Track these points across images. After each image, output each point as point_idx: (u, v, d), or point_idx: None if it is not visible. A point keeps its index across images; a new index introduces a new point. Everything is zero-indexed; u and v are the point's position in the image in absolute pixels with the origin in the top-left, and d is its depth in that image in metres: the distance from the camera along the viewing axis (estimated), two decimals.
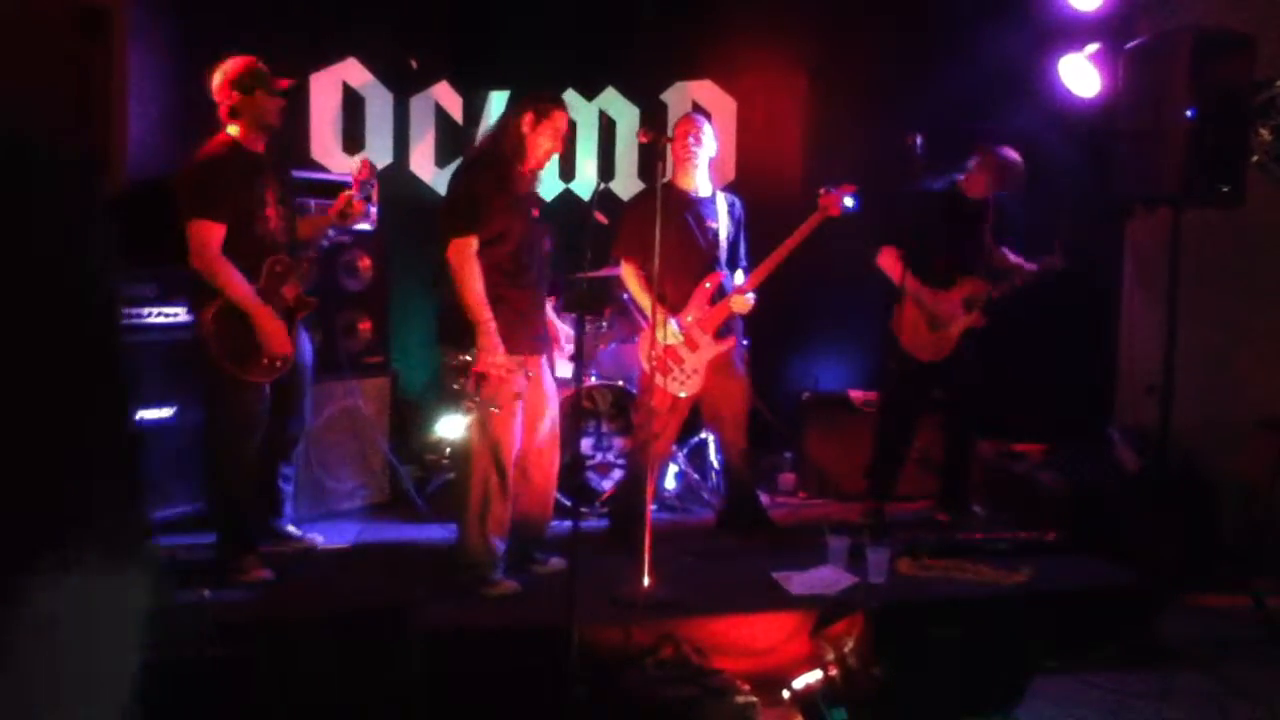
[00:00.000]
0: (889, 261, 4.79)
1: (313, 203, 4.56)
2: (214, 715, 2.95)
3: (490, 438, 3.75)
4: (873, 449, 5.02)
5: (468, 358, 3.71)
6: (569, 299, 3.87)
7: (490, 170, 3.81)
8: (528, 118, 3.80)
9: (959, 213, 4.84)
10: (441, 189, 5.91)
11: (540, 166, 3.91)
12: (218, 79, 3.82)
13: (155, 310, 4.31)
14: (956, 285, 4.82)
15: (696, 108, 5.95)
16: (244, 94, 3.81)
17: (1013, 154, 4.79)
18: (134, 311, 4.26)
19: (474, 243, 3.70)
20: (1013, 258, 4.96)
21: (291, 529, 4.31)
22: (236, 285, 3.76)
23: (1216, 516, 4.62)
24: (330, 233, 3.96)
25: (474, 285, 3.68)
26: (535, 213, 3.94)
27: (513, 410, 3.76)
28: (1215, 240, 4.84)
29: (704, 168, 4.56)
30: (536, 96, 3.90)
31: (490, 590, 3.73)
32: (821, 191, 4.42)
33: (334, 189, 4.44)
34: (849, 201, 4.39)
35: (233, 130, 3.87)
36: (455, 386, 3.90)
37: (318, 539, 4.39)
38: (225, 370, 3.79)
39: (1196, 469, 4.71)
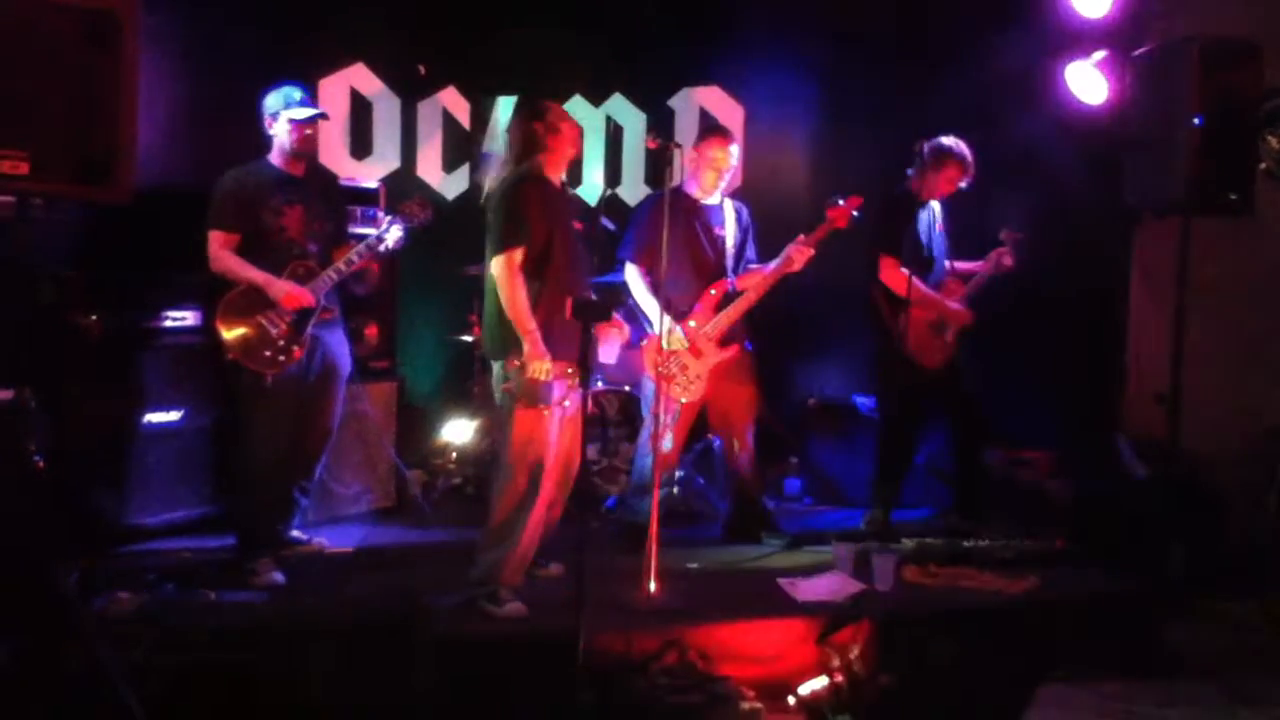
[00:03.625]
0: (890, 273, 4.74)
1: None
2: (220, 718, 2.96)
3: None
4: (877, 459, 4.99)
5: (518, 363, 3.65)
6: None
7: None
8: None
9: (918, 216, 4.80)
10: (448, 194, 5.96)
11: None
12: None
13: (163, 314, 4.33)
14: (945, 288, 4.86)
15: (704, 114, 5.96)
16: (273, 120, 4.05)
17: (948, 141, 4.74)
18: (142, 315, 4.28)
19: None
20: (961, 266, 4.99)
21: (296, 534, 4.33)
22: (245, 269, 3.94)
23: (1224, 524, 4.60)
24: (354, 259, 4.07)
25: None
26: (577, 225, 3.98)
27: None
28: (1224, 248, 4.82)
29: None
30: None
31: (496, 610, 3.61)
32: (829, 204, 4.41)
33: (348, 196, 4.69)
34: (855, 213, 4.40)
35: (276, 151, 4.09)
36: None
37: (323, 542, 4.40)
38: (234, 359, 3.86)
39: (1204, 477, 4.69)
